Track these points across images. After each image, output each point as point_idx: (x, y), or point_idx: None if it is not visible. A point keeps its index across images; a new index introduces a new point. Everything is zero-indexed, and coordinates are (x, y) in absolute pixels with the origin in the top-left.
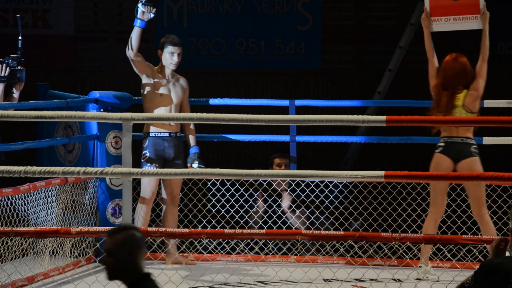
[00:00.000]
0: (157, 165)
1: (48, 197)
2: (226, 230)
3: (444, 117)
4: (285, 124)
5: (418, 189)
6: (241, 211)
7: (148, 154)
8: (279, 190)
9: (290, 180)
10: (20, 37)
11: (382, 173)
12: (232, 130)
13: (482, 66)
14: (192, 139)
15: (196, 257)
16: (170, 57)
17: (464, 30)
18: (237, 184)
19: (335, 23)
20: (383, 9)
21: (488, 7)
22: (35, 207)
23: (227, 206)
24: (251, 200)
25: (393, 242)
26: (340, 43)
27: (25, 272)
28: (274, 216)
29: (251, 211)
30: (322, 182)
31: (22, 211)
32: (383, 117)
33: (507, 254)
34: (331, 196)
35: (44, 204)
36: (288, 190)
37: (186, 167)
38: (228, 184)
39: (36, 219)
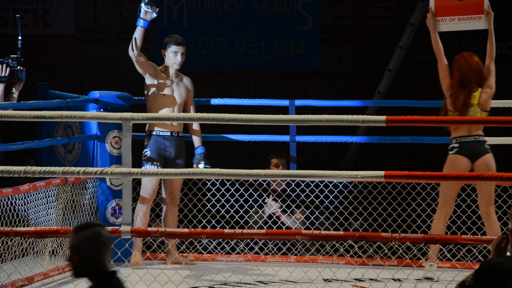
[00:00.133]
0: (158, 164)
1: (48, 197)
2: (226, 230)
3: (443, 117)
4: (285, 124)
5: (418, 189)
6: (241, 211)
7: (149, 153)
8: (279, 189)
9: (288, 180)
10: (19, 37)
11: (382, 173)
12: (232, 130)
13: (491, 64)
14: (197, 140)
15: (196, 257)
16: (173, 56)
17: (465, 30)
18: (237, 184)
19: (335, 23)
20: (383, 9)
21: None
22: (35, 207)
23: (227, 206)
24: (241, 200)
25: (393, 242)
26: (340, 43)
27: (25, 272)
28: (270, 221)
29: (251, 211)
30: (322, 182)
31: (22, 211)
32: (383, 117)
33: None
34: (331, 196)
35: (44, 204)
36: (274, 195)
37: (187, 167)
38: (228, 184)
39: (36, 219)
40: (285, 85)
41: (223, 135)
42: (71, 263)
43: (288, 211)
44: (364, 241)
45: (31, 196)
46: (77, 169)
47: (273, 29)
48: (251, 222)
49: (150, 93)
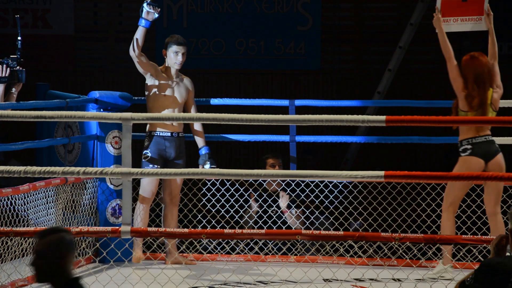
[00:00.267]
0: (158, 165)
1: (48, 197)
2: (226, 230)
3: (443, 117)
4: (285, 124)
5: (418, 189)
6: (241, 211)
7: (149, 154)
8: (269, 190)
9: (289, 180)
10: (19, 38)
11: (382, 173)
12: (232, 130)
13: (496, 65)
14: (200, 140)
15: (196, 257)
16: (174, 56)
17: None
18: (237, 184)
19: (335, 23)
20: (383, 9)
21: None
22: (35, 207)
23: (227, 206)
24: (241, 200)
25: (393, 242)
26: (340, 43)
27: (25, 272)
28: (274, 216)
29: (241, 211)
30: (322, 182)
31: (22, 211)
32: (383, 117)
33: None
34: (331, 196)
35: (44, 204)
36: (288, 190)
37: (186, 167)
38: (228, 184)
39: (36, 219)
40: (285, 85)
41: (223, 135)
42: (35, 268)
43: (298, 211)
44: (364, 241)
45: (31, 196)
46: (77, 169)
47: (273, 29)
48: (241, 222)
49: (150, 93)
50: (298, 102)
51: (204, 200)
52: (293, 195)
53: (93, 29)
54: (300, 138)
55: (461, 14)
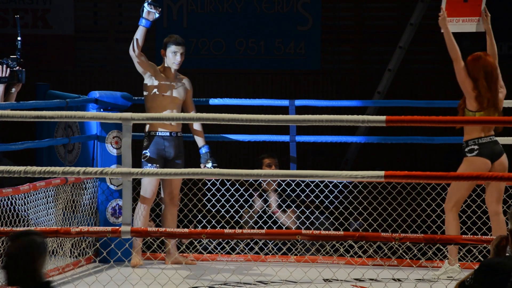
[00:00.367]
0: (158, 165)
1: (48, 197)
2: (226, 230)
3: (443, 117)
4: (285, 124)
5: (418, 189)
6: (241, 211)
7: (148, 154)
8: (270, 190)
9: (289, 180)
10: (19, 38)
11: (382, 173)
12: (232, 130)
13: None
14: (200, 139)
15: (196, 257)
16: (173, 56)
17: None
18: (237, 184)
19: (335, 23)
20: (383, 9)
21: (488, 7)
22: (35, 207)
23: (227, 206)
24: (241, 200)
25: (393, 242)
26: (340, 43)
27: None
28: (265, 216)
29: (241, 211)
30: (322, 182)
31: (22, 211)
32: (383, 117)
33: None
34: (331, 196)
35: (44, 204)
36: (279, 189)
37: (186, 167)
38: (228, 184)
39: (36, 219)
40: (285, 85)
41: (223, 135)
42: (6, 271)
43: (284, 206)
44: (364, 241)
45: (31, 196)
46: (77, 169)
47: (273, 29)
48: (241, 222)
49: (149, 93)
50: (298, 102)
51: (204, 200)
52: (283, 195)
53: (93, 29)
54: (300, 138)
55: (463, 15)
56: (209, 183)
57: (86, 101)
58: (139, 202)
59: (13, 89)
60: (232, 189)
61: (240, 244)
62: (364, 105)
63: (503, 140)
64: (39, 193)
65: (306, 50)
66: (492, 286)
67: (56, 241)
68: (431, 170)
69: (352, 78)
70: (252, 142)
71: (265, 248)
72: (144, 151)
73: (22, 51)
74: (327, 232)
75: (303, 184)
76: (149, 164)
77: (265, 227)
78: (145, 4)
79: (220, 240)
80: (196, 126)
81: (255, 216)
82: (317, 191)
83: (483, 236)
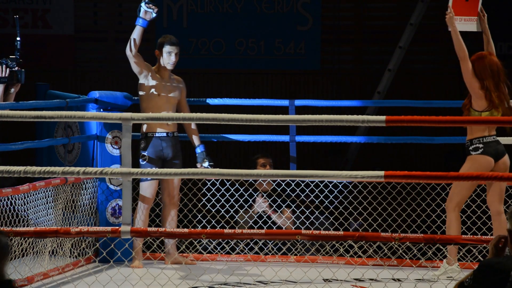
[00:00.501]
0: (156, 167)
1: (48, 197)
2: (226, 230)
3: (443, 117)
4: (285, 124)
5: (418, 189)
6: (241, 211)
7: (147, 157)
8: (260, 190)
9: (289, 180)
10: (18, 38)
11: (382, 173)
12: (232, 130)
13: None
14: (196, 139)
15: (195, 257)
16: (167, 56)
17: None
18: (237, 184)
19: (335, 23)
20: (383, 9)
21: (488, 7)
22: (35, 207)
23: (227, 206)
24: (241, 200)
25: (393, 242)
26: (340, 43)
27: (25, 272)
28: (265, 216)
29: (241, 211)
30: (322, 182)
31: (22, 211)
32: (383, 117)
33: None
34: (331, 196)
35: (44, 204)
36: (265, 195)
37: (184, 166)
38: (228, 184)
39: (36, 219)
40: (285, 85)
41: (223, 135)
42: None
43: (278, 211)
44: (364, 241)
45: (31, 196)
46: (77, 169)
47: (273, 29)
48: (241, 222)
49: (144, 93)
50: (298, 102)
51: (204, 200)
52: (274, 195)
53: (93, 29)
54: (300, 138)
55: (465, 14)
56: (209, 183)
57: (86, 101)
58: (139, 202)
59: (12, 89)
60: (232, 189)
61: (240, 244)
62: (364, 105)
63: (503, 140)
64: (39, 193)
65: (306, 50)
66: (491, 286)
67: (56, 241)
68: (431, 170)
69: (352, 78)
70: (252, 142)
71: (265, 248)
72: (142, 152)
73: (21, 51)
74: (327, 232)
75: (303, 184)
76: (147, 165)
77: (265, 227)
78: (142, 4)
79: (220, 240)
80: (192, 125)
81: (255, 216)
82: (317, 191)
83: (483, 236)
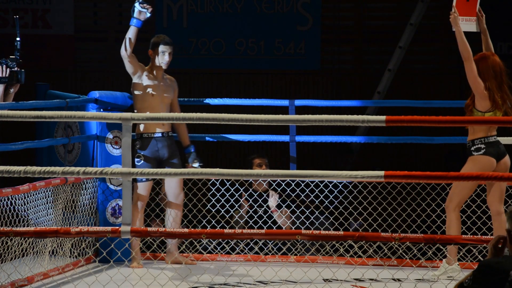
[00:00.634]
0: (152, 167)
1: (48, 197)
2: (226, 230)
3: (443, 117)
4: (285, 124)
5: (418, 189)
6: (241, 211)
7: (142, 158)
8: (259, 190)
9: (289, 180)
10: (18, 38)
11: (382, 173)
12: (231, 130)
13: None
14: (186, 139)
15: (196, 257)
16: (161, 56)
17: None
18: (237, 184)
19: (335, 23)
20: (383, 9)
21: (488, 7)
22: (35, 207)
23: (227, 206)
24: (241, 200)
25: (393, 242)
26: (339, 43)
27: (25, 272)
28: (264, 216)
29: (231, 211)
30: (322, 182)
31: (22, 211)
32: (383, 117)
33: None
34: (331, 196)
35: (44, 204)
36: (279, 189)
37: (183, 166)
38: (228, 184)
39: (36, 219)
40: (285, 85)
41: (223, 135)
42: None
43: (283, 205)
44: (364, 241)
45: (31, 196)
46: (77, 169)
47: (273, 29)
48: (232, 222)
49: (138, 93)
50: (298, 102)
51: (204, 200)
52: (283, 195)
53: (93, 29)
54: (300, 138)
55: (465, 14)
56: (209, 183)
57: (86, 101)
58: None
59: (11, 90)
60: (232, 189)
61: (240, 244)
62: (364, 105)
63: (503, 140)
64: (39, 193)
65: (306, 50)
66: (491, 286)
67: (56, 241)
68: (431, 170)
69: (352, 78)
70: (252, 142)
71: (265, 248)
72: (138, 153)
73: (21, 51)
74: (327, 232)
75: (303, 184)
76: (144, 164)
77: (265, 227)
78: (136, 4)
79: (220, 240)
80: (182, 125)
81: (255, 216)
82: (317, 191)
83: (483, 236)
